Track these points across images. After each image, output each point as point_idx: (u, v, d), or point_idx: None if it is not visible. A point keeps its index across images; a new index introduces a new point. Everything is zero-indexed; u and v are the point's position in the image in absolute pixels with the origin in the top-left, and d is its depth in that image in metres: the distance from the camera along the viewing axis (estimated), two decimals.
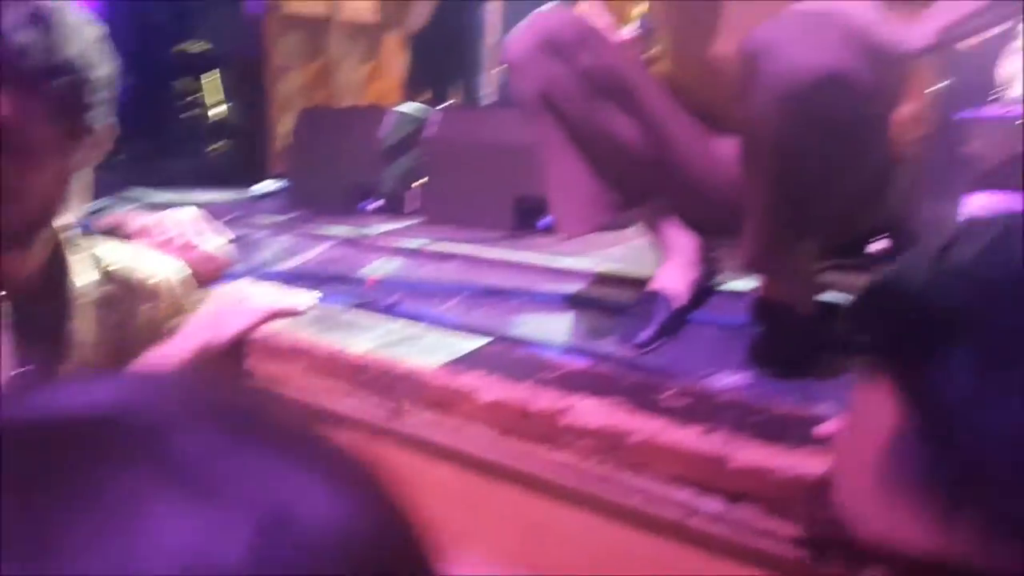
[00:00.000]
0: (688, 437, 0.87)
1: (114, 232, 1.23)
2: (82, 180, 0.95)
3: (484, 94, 3.34)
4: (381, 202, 2.38)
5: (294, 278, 1.71)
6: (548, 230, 1.90)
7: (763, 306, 1.18)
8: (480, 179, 2.10)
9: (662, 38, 1.31)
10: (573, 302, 1.48)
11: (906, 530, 0.27)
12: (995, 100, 4.41)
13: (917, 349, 0.29)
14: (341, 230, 2.05)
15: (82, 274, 1.03)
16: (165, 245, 1.27)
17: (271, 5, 3.68)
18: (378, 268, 1.77)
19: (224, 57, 3.92)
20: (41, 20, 0.81)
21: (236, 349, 1.17)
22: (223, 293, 1.18)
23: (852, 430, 0.33)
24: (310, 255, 1.90)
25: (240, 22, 3.93)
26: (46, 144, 0.85)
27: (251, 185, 2.98)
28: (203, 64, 3.93)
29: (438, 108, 2.38)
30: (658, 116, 1.25)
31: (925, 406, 0.28)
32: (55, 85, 0.82)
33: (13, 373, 0.95)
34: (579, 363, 1.12)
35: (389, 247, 1.89)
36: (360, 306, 1.55)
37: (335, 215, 2.24)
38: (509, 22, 3.39)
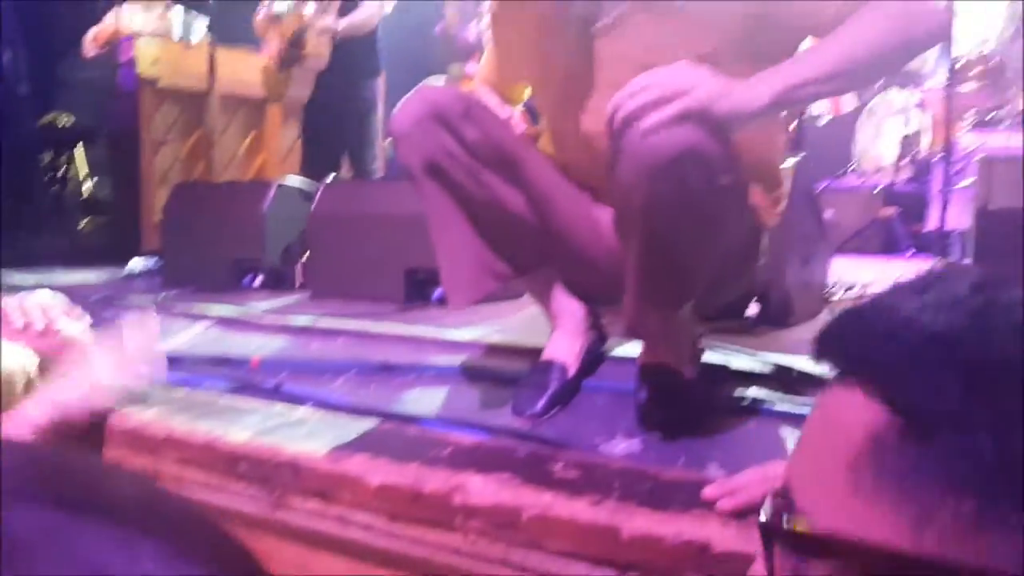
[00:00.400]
0: (580, 509, 0.87)
1: None
2: None
3: (375, 167, 3.35)
4: (261, 278, 2.30)
5: (169, 361, 1.60)
6: (442, 302, 1.89)
7: (647, 370, 1.22)
8: (369, 252, 2.08)
9: (543, 116, 1.37)
10: (465, 374, 1.46)
11: (878, 529, 0.27)
12: (852, 171, 4.86)
13: (903, 366, 0.29)
14: (221, 309, 1.95)
15: None
16: (22, 332, 1.18)
17: (146, 79, 3.58)
18: (262, 347, 1.69)
19: (94, 130, 3.74)
20: None
21: (95, 437, 1.08)
22: (69, 369, 1.09)
23: (822, 432, 0.32)
24: (187, 336, 1.79)
25: (113, 95, 3.79)
26: None
27: (124, 263, 2.81)
28: (71, 138, 3.73)
29: (325, 181, 2.36)
30: (542, 187, 1.28)
31: (908, 416, 0.28)
32: None
33: None
34: (471, 438, 1.10)
35: (274, 325, 1.81)
36: (242, 389, 1.47)
37: (215, 292, 2.14)
38: (391, 98, 3.45)
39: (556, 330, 1.38)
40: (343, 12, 3.29)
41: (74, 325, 1.28)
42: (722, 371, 1.33)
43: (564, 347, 1.36)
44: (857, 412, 0.29)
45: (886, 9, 1.03)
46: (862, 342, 0.31)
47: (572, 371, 1.34)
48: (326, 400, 1.36)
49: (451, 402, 1.32)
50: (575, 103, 1.26)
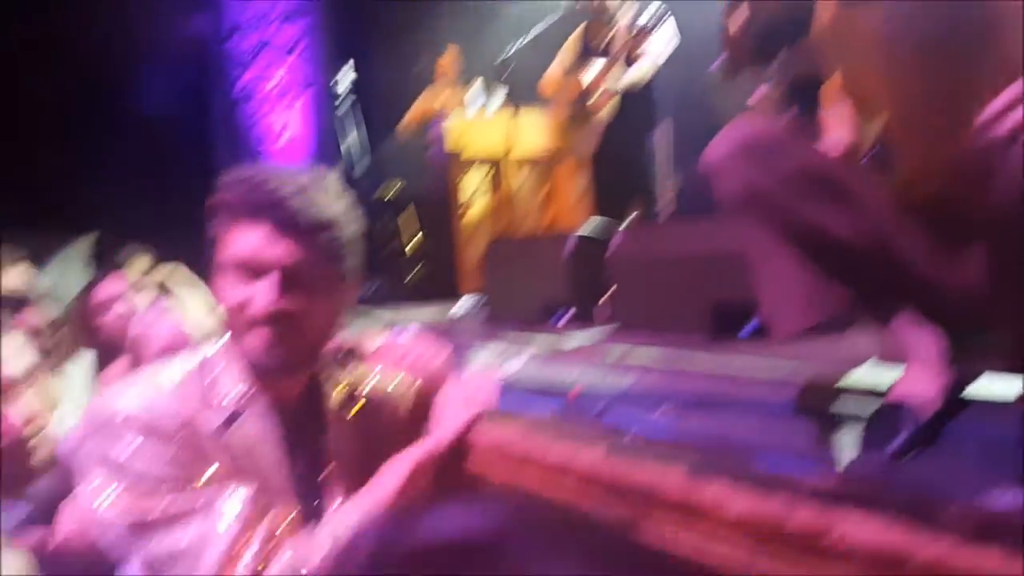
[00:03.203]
0: (984, 560, 0.76)
1: (354, 352, 1.35)
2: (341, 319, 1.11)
3: (661, 209, 3.42)
4: (570, 314, 2.45)
5: (503, 390, 1.77)
6: (754, 336, 1.83)
7: None
8: (671, 289, 2.10)
9: (897, 143, 1.27)
10: (793, 411, 1.38)
11: None
12: None
13: None
14: (537, 345, 2.11)
15: (334, 394, 1.17)
16: (398, 362, 1.38)
17: (452, 152, 4.10)
18: (579, 379, 1.78)
19: (414, 198, 4.40)
20: (310, 189, 1.01)
21: (459, 454, 1.21)
22: (437, 401, 1.24)
23: None
24: (514, 367, 1.96)
25: (426, 167, 4.40)
26: (319, 284, 1.03)
27: (446, 303, 3.21)
28: (398, 206, 4.43)
29: (620, 226, 2.46)
30: (877, 212, 1.20)
31: None
32: (321, 238, 1.00)
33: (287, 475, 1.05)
34: (827, 477, 1.03)
35: (588, 359, 1.91)
36: (566, 417, 1.55)
37: (529, 331, 2.32)
38: (680, 142, 3.51)
39: (908, 366, 1.24)
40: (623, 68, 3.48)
41: (437, 354, 1.47)
42: None
43: (918, 386, 1.21)
44: None
45: None
46: None
47: (929, 413, 1.19)
48: (649, 429, 1.38)
49: (790, 439, 1.26)
50: (929, 122, 1.16)
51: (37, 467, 1.22)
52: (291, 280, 1.00)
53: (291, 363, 1.04)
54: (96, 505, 0.94)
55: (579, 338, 2.13)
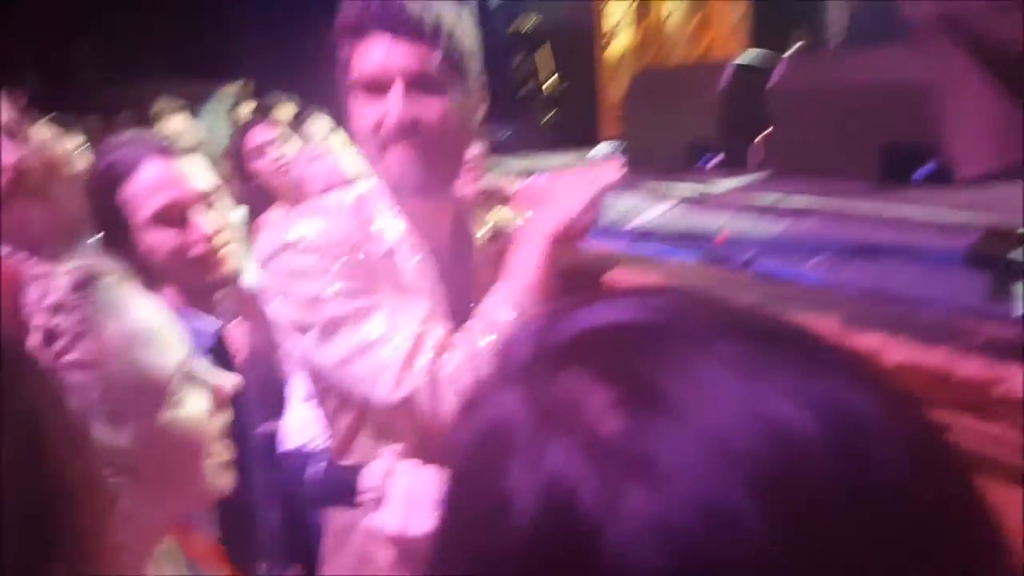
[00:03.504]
0: None
1: (497, 194, 1.38)
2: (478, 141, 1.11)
3: (831, 34, 3.05)
4: (721, 157, 2.32)
5: (642, 237, 1.75)
6: (930, 180, 1.66)
7: None
8: (837, 127, 1.91)
9: None
10: (973, 260, 1.27)
11: None
12: None
13: None
14: (683, 188, 2.04)
15: (479, 234, 1.21)
16: (540, 203, 1.39)
17: None
18: (727, 225, 1.73)
19: (553, 31, 4.17)
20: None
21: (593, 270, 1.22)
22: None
23: None
24: (653, 213, 1.92)
25: None
26: (443, 91, 1.02)
27: (583, 150, 3.13)
28: (535, 40, 4.22)
29: (783, 55, 2.23)
30: None
31: None
32: (440, 43, 1.01)
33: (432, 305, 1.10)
34: (1004, 328, 0.96)
35: (737, 204, 1.83)
36: (711, 264, 1.53)
37: (674, 174, 2.24)
38: None
39: None
40: None
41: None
42: None
43: None
44: None
45: None
46: None
47: None
48: (803, 279, 1.34)
49: (960, 289, 1.17)
50: None
51: (225, 279, 1.34)
52: (416, 87, 1.01)
53: (430, 180, 1.06)
54: (278, 318, 1.06)
55: (728, 184, 2.02)
